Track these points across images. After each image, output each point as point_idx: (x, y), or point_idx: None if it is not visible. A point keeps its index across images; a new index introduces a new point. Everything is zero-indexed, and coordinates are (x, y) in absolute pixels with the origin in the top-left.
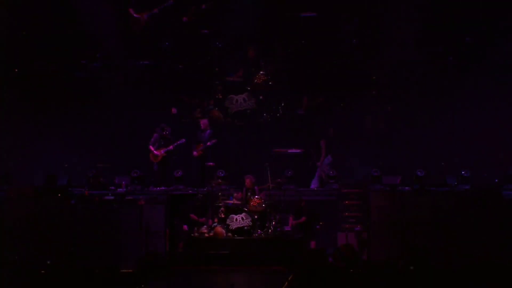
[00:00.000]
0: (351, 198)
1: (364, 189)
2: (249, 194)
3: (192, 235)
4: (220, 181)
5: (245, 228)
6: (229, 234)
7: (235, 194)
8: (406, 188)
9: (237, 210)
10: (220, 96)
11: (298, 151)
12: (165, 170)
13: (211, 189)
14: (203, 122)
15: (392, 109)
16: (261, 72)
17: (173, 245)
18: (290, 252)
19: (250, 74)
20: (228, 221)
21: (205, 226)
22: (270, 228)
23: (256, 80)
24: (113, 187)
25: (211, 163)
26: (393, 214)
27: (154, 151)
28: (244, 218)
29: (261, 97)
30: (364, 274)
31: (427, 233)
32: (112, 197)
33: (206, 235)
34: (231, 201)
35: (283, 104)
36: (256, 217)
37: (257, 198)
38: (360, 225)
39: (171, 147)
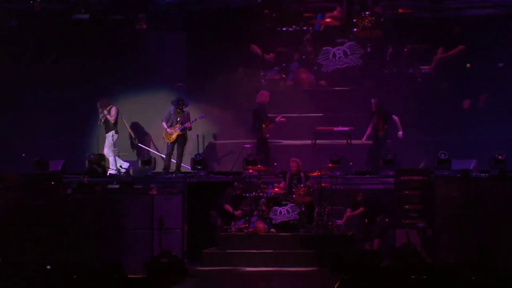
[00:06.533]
0: (412, 187)
1: (429, 176)
2: (294, 181)
3: (228, 230)
4: (260, 166)
5: (291, 222)
6: (272, 229)
7: (276, 184)
8: (483, 174)
9: (281, 201)
10: (309, 49)
11: (346, 129)
12: (182, 152)
13: (248, 175)
14: (266, 94)
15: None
16: (367, 13)
17: (194, 244)
18: (340, 251)
19: (352, 14)
20: (271, 214)
21: (243, 220)
22: (319, 222)
23: (362, 23)
24: (118, 174)
25: (248, 145)
26: (465, 206)
27: (168, 129)
28: (290, 211)
29: (368, 49)
30: (429, 280)
31: (508, 230)
32: (117, 186)
33: (245, 230)
34: (272, 190)
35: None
36: (303, 209)
37: (303, 186)
38: (423, 221)
39: (188, 124)
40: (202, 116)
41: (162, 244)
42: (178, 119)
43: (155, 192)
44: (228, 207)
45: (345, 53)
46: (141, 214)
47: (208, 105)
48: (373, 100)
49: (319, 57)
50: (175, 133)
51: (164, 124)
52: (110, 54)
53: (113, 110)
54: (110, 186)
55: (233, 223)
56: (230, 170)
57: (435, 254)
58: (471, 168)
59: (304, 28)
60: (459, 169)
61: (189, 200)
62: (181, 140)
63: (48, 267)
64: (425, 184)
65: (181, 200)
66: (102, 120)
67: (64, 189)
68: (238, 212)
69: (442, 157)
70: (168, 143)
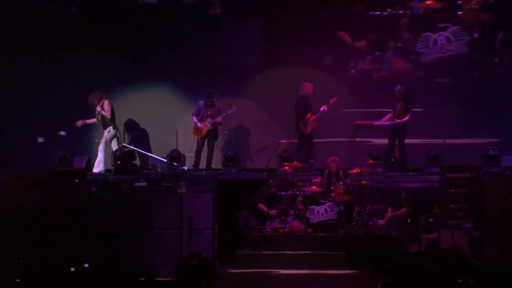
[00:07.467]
0: (458, 185)
1: (476, 173)
2: (333, 179)
3: (262, 230)
4: (296, 163)
5: (329, 222)
6: (309, 229)
7: (313, 180)
8: None
9: (319, 199)
10: (406, 35)
11: (387, 123)
12: (212, 148)
13: (284, 173)
14: (309, 86)
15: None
16: None
17: (225, 245)
18: (382, 253)
19: None
20: (308, 214)
21: (278, 219)
22: (359, 222)
23: (468, 5)
24: (146, 171)
25: (283, 141)
26: None
27: (198, 123)
28: (328, 210)
29: (475, 35)
30: (476, 284)
31: None
32: (144, 184)
33: (281, 231)
34: (309, 188)
35: None
36: (342, 208)
37: (342, 184)
38: (470, 221)
39: (219, 118)
40: (234, 109)
41: (191, 245)
42: (209, 113)
43: (184, 190)
44: (262, 207)
45: (448, 39)
46: (170, 213)
47: (284, 99)
48: (398, 87)
49: (418, 45)
50: (205, 128)
51: (194, 118)
52: (179, 42)
53: (106, 105)
54: (137, 184)
55: (268, 223)
56: (265, 167)
57: (483, 256)
58: None
59: (401, 11)
60: (509, 165)
61: (220, 199)
62: (212, 135)
63: (72, 269)
64: (473, 181)
65: (211, 199)
66: (98, 118)
67: (89, 187)
68: (273, 212)
69: (491, 153)
70: (198, 138)
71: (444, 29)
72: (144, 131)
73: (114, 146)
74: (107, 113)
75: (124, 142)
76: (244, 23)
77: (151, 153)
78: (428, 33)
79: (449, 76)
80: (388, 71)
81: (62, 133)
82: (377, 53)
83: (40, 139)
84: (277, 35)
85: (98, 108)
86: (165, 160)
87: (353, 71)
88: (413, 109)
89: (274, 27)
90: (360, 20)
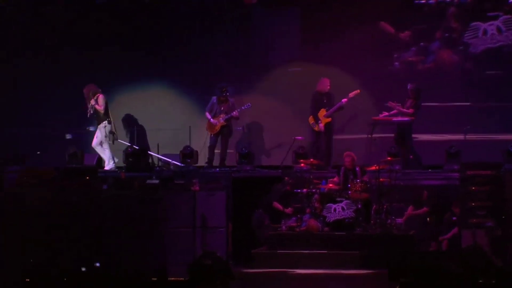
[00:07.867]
0: (479, 182)
1: (498, 170)
2: (350, 176)
3: (278, 229)
4: (312, 160)
5: (346, 220)
6: (326, 228)
7: (329, 180)
8: None
9: (335, 197)
10: (454, 25)
11: (406, 119)
12: (226, 144)
13: (299, 170)
14: (325, 82)
15: None
16: None
17: (239, 244)
18: (400, 252)
19: None
20: (324, 212)
21: (294, 218)
22: (377, 221)
23: None
24: (158, 168)
25: (299, 137)
26: None
27: (211, 119)
28: (345, 208)
29: None
30: (498, 284)
31: None
32: (156, 181)
33: (297, 229)
34: (325, 186)
35: None
36: (359, 206)
37: (359, 181)
38: (492, 219)
39: (235, 112)
40: (249, 105)
41: (205, 243)
42: (222, 108)
43: (197, 188)
44: (277, 205)
45: (498, 29)
46: (182, 211)
47: (304, 94)
48: (409, 86)
49: (466, 35)
50: (219, 123)
51: (207, 114)
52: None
53: (100, 99)
54: (149, 181)
55: (283, 221)
56: (280, 164)
57: (506, 255)
58: None
59: (448, 0)
60: None
61: (234, 196)
62: (226, 131)
63: (83, 269)
64: (494, 179)
65: (225, 196)
66: (91, 111)
67: (100, 184)
68: (288, 210)
69: None
70: (211, 135)
71: (495, 18)
72: (142, 129)
73: (100, 141)
74: (101, 107)
75: (120, 139)
76: (281, 12)
77: (150, 151)
78: (477, 23)
79: (499, 68)
80: (433, 63)
81: (91, 128)
82: (422, 44)
83: (68, 136)
84: (316, 25)
85: (92, 102)
86: (162, 158)
87: (396, 63)
88: (460, 103)
89: (313, 17)
90: (404, 9)
